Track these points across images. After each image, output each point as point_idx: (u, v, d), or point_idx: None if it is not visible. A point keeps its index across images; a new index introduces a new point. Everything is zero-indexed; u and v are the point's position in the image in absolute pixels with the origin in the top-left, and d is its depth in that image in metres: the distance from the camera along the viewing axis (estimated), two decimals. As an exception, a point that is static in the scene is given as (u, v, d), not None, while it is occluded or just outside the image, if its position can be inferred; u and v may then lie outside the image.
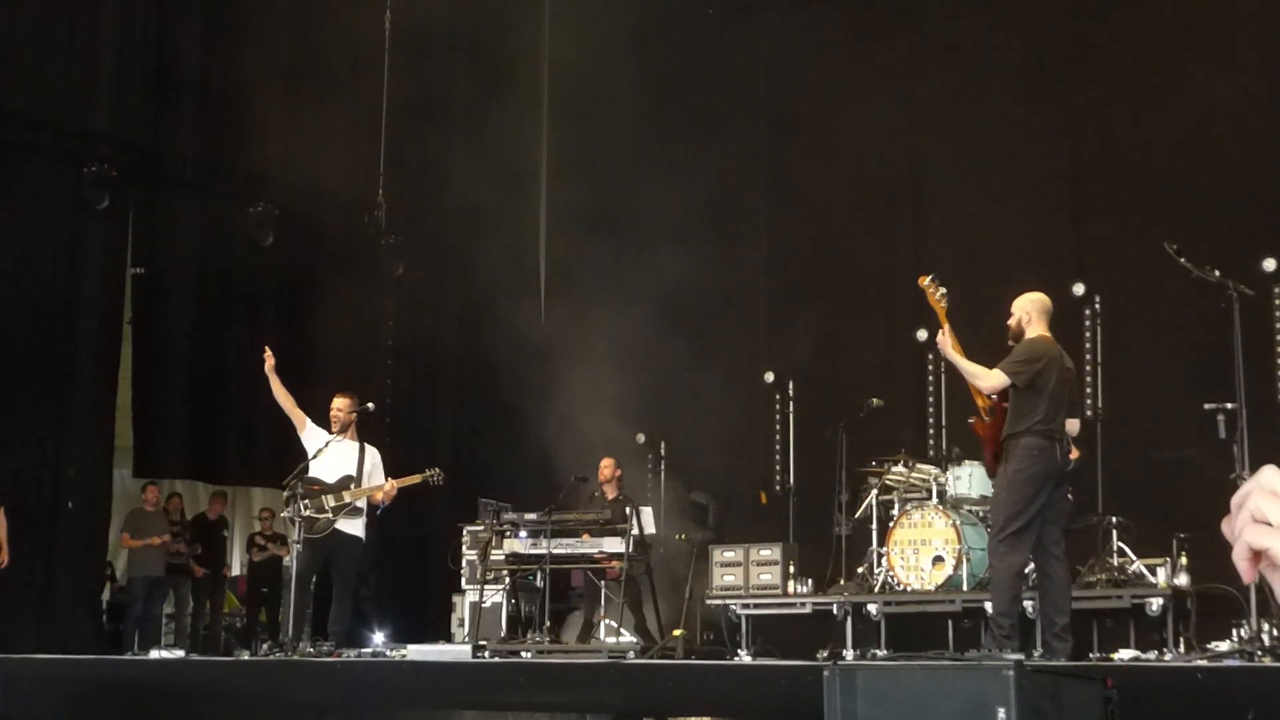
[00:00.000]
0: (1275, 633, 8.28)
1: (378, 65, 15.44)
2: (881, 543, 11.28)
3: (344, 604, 10.50)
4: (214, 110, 14.97)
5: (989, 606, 9.47)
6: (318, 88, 15.64)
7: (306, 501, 10.26)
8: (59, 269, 13.62)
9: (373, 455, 10.74)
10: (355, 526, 10.47)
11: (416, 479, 10.72)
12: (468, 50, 16.45)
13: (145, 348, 14.33)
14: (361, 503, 10.47)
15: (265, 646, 10.77)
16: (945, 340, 8.42)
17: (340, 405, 10.67)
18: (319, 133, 15.72)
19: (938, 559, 10.81)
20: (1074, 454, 8.53)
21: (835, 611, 11.09)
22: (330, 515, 10.26)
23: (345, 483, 10.42)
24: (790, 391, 14.56)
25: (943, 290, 8.48)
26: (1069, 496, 10.60)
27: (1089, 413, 12.22)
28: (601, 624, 11.78)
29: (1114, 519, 10.62)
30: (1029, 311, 8.53)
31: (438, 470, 10.81)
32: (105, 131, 13.93)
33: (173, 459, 14.89)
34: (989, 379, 8.29)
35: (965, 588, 10.66)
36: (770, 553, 11.97)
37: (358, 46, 15.34)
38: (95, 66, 13.94)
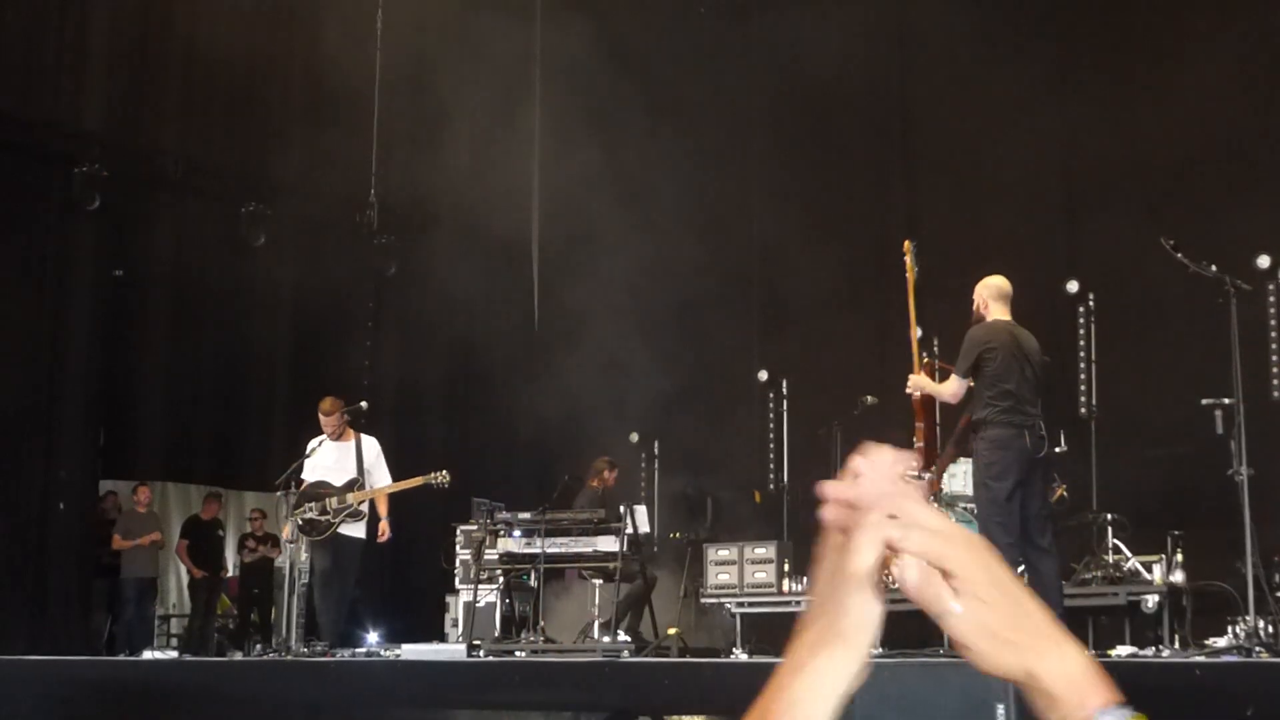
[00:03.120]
0: (1272, 629, 8.27)
1: (369, 63, 15.39)
2: (876, 541, 11.22)
3: (341, 605, 10.51)
4: (206, 111, 14.93)
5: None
6: (309, 87, 15.62)
7: (311, 504, 10.28)
8: (49, 269, 13.57)
9: (371, 447, 10.78)
10: (357, 529, 10.52)
11: (418, 481, 10.73)
12: (460, 48, 16.40)
13: (123, 350, 14.30)
14: (364, 506, 10.51)
15: (259, 647, 10.76)
16: (917, 381, 8.45)
17: (324, 417, 10.69)
18: (311, 133, 15.68)
19: (933, 556, 10.77)
20: None
21: (830, 610, 11.04)
22: (331, 518, 10.28)
23: (350, 486, 10.46)
24: (784, 390, 14.53)
25: (916, 270, 8.58)
26: (1064, 494, 10.63)
27: (1083, 410, 12.21)
28: (595, 623, 11.74)
29: (1109, 516, 10.60)
30: (984, 298, 8.32)
31: (444, 473, 10.79)
32: (96, 132, 13.88)
33: (148, 460, 14.87)
34: (949, 387, 8.24)
35: (960, 585, 10.62)
36: (765, 551, 11.94)
37: (349, 44, 15.28)
38: (86, 66, 13.89)
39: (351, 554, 10.56)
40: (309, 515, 10.26)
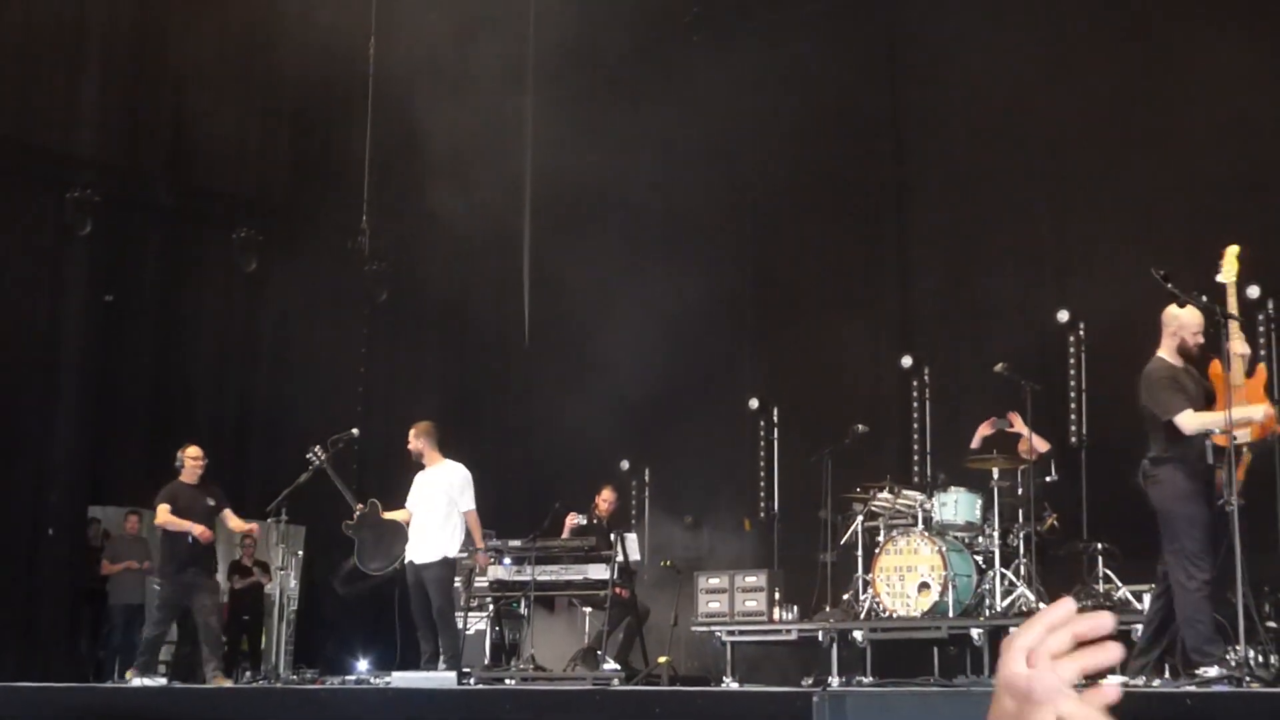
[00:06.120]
0: (1263, 659, 8.26)
1: (361, 90, 15.42)
2: (867, 569, 11.24)
3: (437, 625, 10.70)
4: (197, 136, 14.95)
5: (975, 633, 9.48)
6: (302, 113, 15.64)
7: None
8: (41, 294, 13.57)
9: (455, 475, 11.01)
10: (418, 554, 10.69)
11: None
12: (452, 76, 16.44)
13: (113, 374, 14.27)
14: (441, 535, 10.71)
15: (248, 675, 10.72)
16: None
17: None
18: (303, 158, 15.70)
19: (923, 585, 10.78)
20: None
21: (821, 638, 11.04)
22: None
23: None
24: (775, 418, 14.53)
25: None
26: (1055, 524, 10.66)
27: (1074, 439, 12.24)
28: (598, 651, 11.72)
29: (1099, 545, 10.60)
30: None
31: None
32: (89, 156, 13.89)
33: (137, 487, 14.82)
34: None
35: (951, 614, 10.63)
36: (755, 579, 11.92)
37: (342, 70, 15.32)
38: (79, 91, 13.92)
39: (417, 579, 10.75)
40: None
